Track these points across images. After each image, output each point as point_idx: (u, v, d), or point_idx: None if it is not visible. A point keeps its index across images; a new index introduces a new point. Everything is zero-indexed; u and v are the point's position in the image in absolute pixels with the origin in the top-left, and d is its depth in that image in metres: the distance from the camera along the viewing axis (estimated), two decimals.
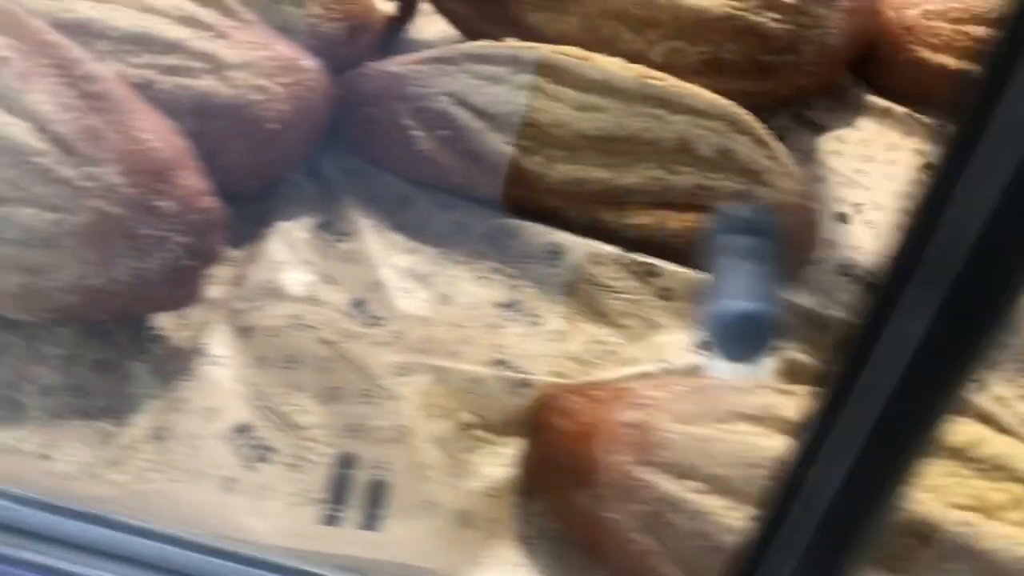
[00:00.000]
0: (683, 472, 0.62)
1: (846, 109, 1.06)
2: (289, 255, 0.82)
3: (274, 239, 0.82)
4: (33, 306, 0.71)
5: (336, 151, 0.89)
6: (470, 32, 1.01)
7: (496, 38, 0.93)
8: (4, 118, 0.68)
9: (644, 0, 0.95)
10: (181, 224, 0.70)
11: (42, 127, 0.68)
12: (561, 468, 0.65)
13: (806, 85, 1.01)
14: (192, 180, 0.71)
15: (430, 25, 1.08)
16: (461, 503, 0.67)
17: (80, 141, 0.68)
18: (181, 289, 0.72)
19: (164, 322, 0.75)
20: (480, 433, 0.71)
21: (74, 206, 0.68)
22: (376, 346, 0.75)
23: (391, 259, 0.84)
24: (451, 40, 1.05)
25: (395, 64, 0.90)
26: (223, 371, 0.73)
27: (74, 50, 0.72)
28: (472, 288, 0.82)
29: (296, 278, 0.81)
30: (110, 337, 0.74)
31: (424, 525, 0.66)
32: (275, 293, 0.79)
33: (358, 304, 0.80)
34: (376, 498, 0.67)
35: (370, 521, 0.66)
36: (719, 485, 0.61)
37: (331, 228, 0.86)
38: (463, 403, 0.72)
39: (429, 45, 1.05)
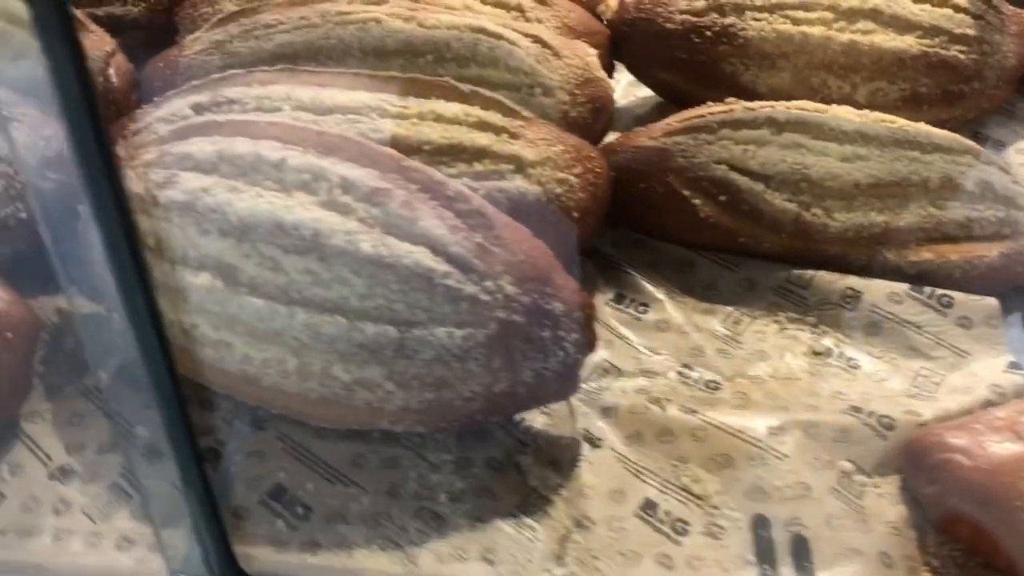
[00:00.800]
0: None
1: (1017, 123, 1.14)
2: (618, 332, 0.87)
3: None
4: (435, 418, 0.74)
5: (605, 226, 0.94)
6: (678, 96, 1.06)
7: (711, 100, 0.99)
8: (405, 246, 0.71)
9: (848, 48, 1.02)
10: (569, 321, 0.74)
11: (437, 250, 0.72)
12: (974, 502, 0.71)
13: (988, 107, 1.08)
14: (566, 279, 0.75)
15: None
16: (878, 545, 0.72)
17: (474, 258, 0.72)
18: (570, 382, 0.76)
19: (526, 413, 0.79)
20: (860, 478, 0.76)
21: (481, 320, 0.71)
22: (735, 409, 0.80)
23: (695, 322, 0.89)
24: (652, 105, 1.11)
25: (646, 139, 0.95)
26: (607, 453, 0.78)
27: (434, 172, 0.76)
28: (780, 340, 0.87)
29: (624, 353, 0.85)
30: (489, 436, 0.78)
31: (852, 571, 0.71)
32: (611, 371, 0.84)
33: (687, 370, 0.84)
34: (801, 553, 0.72)
35: None
36: None
37: (626, 301, 0.90)
38: (837, 453, 0.77)
39: (635, 113, 1.11)
